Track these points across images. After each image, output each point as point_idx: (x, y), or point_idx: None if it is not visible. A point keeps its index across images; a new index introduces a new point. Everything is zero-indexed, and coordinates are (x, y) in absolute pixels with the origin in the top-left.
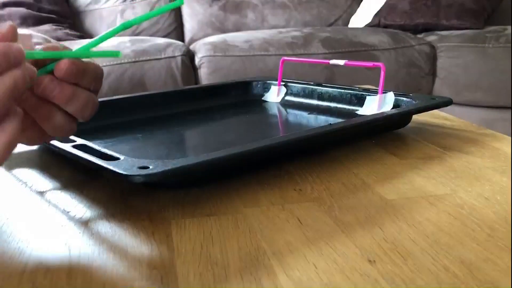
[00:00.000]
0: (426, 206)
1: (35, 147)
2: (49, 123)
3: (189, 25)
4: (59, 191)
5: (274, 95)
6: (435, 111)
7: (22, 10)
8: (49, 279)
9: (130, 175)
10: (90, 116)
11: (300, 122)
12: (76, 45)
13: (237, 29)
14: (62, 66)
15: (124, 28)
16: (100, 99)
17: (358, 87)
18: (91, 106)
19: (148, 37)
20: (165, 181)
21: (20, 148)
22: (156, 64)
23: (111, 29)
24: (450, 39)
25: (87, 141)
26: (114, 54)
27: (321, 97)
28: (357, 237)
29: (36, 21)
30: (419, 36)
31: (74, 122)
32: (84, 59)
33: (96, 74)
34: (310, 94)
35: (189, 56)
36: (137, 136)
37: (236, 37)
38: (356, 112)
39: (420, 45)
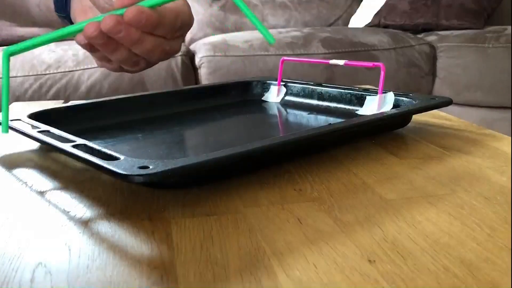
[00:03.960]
0: (426, 206)
1: (35, 147)
2: (115, 56)
3: None
4: (59, 191)
5: (274, 95)
6: (435, 111)
7: None
8: (49, 279)
9: (130, 175)
10: (159, 60)
11: (300, 122)
12: None
13: (237, 29)
14: (130, 13)
15: None
16: (100, 99)
17: (358, 87)
18: (158, 52)
19: None
20: (165, 181)
21: (20, 148)
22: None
23: None
24: (450, 39)
25: (87, 141)
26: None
27: (321, 97)
28: (357, 237)
29: None
30: (419, 36)
31: (142, 61)
32: (169, 7)
33: (174, 25)
34: (310, 94)
35: (189, 56)
36: (137, 136)
37: (236, 37)
38: (356, 112)
39: (420, 45)
